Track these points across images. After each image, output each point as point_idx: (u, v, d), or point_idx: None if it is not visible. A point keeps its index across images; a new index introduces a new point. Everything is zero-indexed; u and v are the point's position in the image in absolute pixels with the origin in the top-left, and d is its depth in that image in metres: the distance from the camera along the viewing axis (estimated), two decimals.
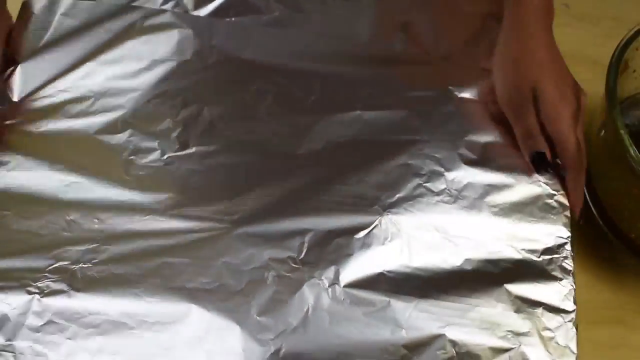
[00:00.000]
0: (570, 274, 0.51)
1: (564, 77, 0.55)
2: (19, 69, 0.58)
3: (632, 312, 0.55)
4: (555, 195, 0.54)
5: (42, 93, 0.56)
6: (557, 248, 0.52)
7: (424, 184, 0.54)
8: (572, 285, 0.51)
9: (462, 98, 0.58)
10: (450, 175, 0.54)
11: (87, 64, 0.58)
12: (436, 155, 0.55)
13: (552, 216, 0.54)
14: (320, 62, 0.59)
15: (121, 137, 0.55)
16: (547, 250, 0.52)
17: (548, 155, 0.54)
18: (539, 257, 0.52)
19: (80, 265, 0.49)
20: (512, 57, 0.55)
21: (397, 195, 0.53)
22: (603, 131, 0.55)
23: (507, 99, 0.56)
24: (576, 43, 0.62)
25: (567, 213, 0.54)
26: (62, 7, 0.60)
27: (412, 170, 0.54)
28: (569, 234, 0.53)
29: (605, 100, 0.52)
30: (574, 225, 0.54)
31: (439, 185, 0.54)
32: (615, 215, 0.55)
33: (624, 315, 0.54)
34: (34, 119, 0.55)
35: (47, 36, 0.59)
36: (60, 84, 0.57)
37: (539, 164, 0.55)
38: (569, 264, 0.52)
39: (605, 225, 0.56)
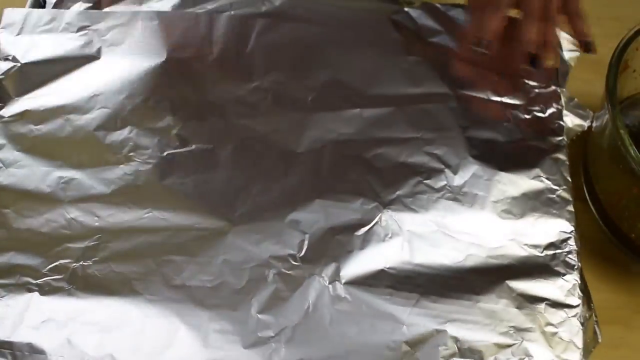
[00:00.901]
0: (574, 269, 0.51)
1: None
2: (18, 66, 0.58)
3: (632, 312, 0.54)
4: (557, 190, 0.54)
5: (41, 91, 0.56)
6: (560, 243, 0.52)
7: (425, 181, 0.53)
8: (576, 280, 0.50)
9: (463, 94, 0.58)
10: (450, 172, 0.54)
11: (89, 64, 0.58)
12: (436, 152, 0.54)
13: (554, 211, 0.53)
14: (319, 57, 0.59)
15: (120, 134, 0.55)
16: (550, 246, 0.52)
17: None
18: (542, 252, 0.51)
19: (81, 263, 0.49)
20: None
21: (397, 192, 0.53)
22: (603, 131, 0.55)
23: None
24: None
25: (570, 207, 0.53)
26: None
27: (412, 167, 0.54)
28: (572, 228, 0.53)
29: (605, 100, 0.52)
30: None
31: (439, 182, 0.53)
32: (615, 215, 0.55)
33: (624, 315, 0.54)
34: (33, 117, 0.55)
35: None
36: (60, 81, 0.57)
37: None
38: (572, 259, 0.51)
39: (605, 225, 0.56)
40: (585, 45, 0.55)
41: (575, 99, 0.59)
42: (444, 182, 0.53)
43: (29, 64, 0.58)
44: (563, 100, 0.58)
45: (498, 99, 0.58)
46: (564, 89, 0.59)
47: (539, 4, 0.55)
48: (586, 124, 0.58)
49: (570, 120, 0.58)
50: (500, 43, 0.54)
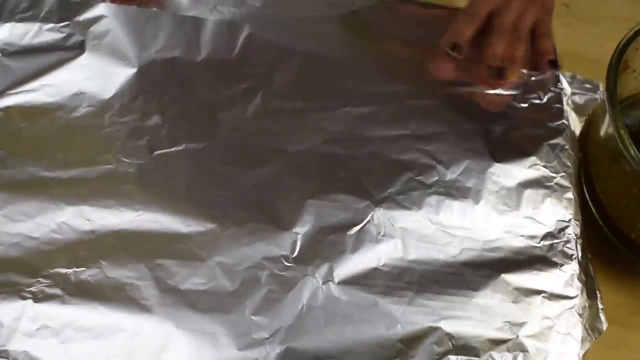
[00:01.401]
0: (572, 259, 0.50)
1: None
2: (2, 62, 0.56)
3: (632, 312, 0.54)
4: (555, 177, 0.54)
5: (25, 87, 0.55)
6: (558, 232, 0.52)
7: (416, 177, 0.53)
8: (574, 270, 0.50)
9: (451, 89, 0.57)
10: (442, 167, 0.53)
11: (73, 59, 0.56)
12: (427, 148, 0.54)
13: (552, 199, 0.53)
14: (306, 59, 0.58)
15: (108, 133, 0.54)
16: (547, 236, 0.52)
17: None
18: (539, 243, 0.51)
19: (74, 269, 0.49)
20: None
21: (389, 190, 0.52)
22: (603, 131, 0.54)
23: None
24: (576, 43, 0.62)
25: (569, 194, 0.53)
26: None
27: (403, 164, 0.53)
28: (570, 216, 0.52)
29: (606, 100, 0.51)
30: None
31: (431, 178, 0.53)
32: (615, 215, 0.54)
33: (624, 315, 0.54)
34: (17, 114, 0.54)
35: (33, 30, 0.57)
36: (44, 77, 0.55)
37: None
38: (570, 248, 0.51)
39: (605, 225, 0.55)
40: (550, 63, 0.58)
41: (578, 76, 0.59)
42: (435, 178, 0.53)
43: (11, 56, 0.56)
44: (565, 81, 0.58)
45: (493, 91, 0.57)
46: (565, 72, 0.59)
47: (511, 21, 0.57)
48: (598, 96, 0.57)
49: (579, 97, 0.58)
50: (470, 49, 0.57)
